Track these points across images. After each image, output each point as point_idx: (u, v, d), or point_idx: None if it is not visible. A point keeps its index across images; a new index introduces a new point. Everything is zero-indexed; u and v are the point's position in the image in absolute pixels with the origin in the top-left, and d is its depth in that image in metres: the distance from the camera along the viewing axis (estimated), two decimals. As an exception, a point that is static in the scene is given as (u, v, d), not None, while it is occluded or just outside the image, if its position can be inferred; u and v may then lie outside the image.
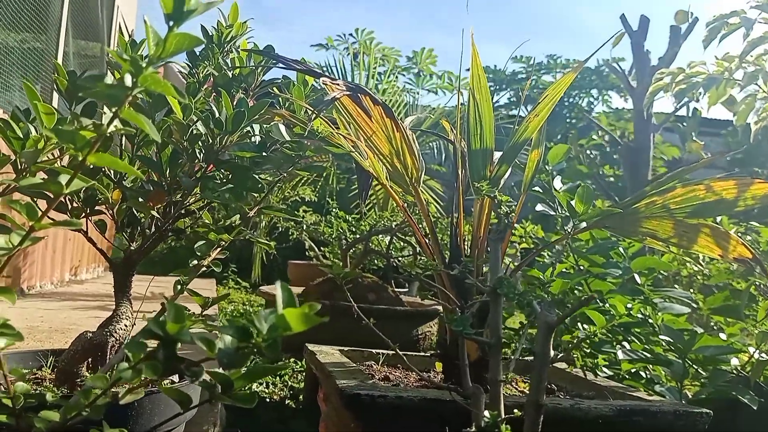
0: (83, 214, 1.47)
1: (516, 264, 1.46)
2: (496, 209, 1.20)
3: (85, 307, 3.53)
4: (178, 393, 0.78)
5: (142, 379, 0.72)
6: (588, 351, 0.73)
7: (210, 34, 1.62)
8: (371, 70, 6.60)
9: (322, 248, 4.55)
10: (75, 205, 1.44)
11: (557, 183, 1.73)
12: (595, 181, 7.02)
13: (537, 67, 15.03)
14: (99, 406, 0.72)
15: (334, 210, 3.91)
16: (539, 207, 1.64)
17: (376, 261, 3.59)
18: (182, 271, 1.17)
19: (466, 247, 1.47)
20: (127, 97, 0.69)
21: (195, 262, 1.17)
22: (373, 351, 1.71)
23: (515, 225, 3.31)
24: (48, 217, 1.21)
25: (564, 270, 2.74)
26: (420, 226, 1.66)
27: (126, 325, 1.42)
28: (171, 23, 0.66)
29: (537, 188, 1.63)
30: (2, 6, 3.42)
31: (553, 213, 1.62)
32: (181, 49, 0.68)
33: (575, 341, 0.73)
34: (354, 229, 3.22)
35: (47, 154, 0.98)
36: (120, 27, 6.51)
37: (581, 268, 2.08)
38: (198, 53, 1.59)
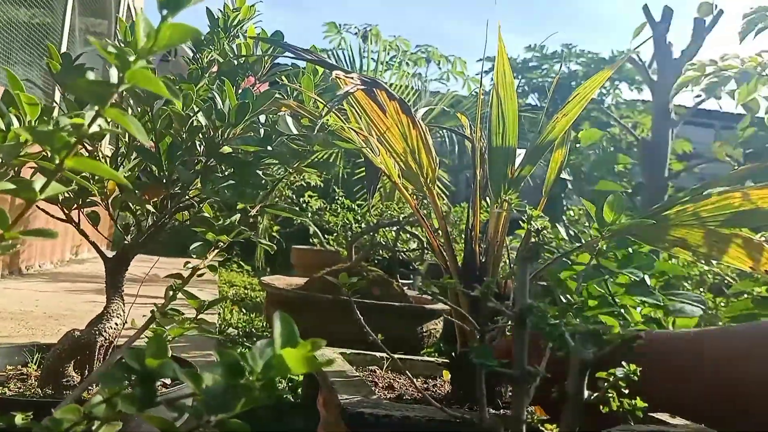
0: (75, 206, 1.39)
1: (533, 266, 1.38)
2: (524, 219, 1.11)
3: (82, 290, 3.47)
4: (161, 422, 0.70)
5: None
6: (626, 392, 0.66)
7: (216, 17, 1.53)
8: (380, 57, 6.48)
9: (326, 236, 4.47)
10: (66, 195, 1.36)
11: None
12: (612, 176, 6.90)
13: (551, 56, 14.82)
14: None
15: (340, 198, 3.82)
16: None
17: (381, 253, 3.50)
18: (176, 275, 1.09)
19: (480, 251, 1.38)
20: (113, 95, 0.60)
21: (190, 264, 1.09)
22: (377, 355, 1.64)
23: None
24: (39, 207, 1.13)
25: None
26: (431, 225, 1.58)
27: (116, 324, 1.34)
28: (164, 12, 0.57)
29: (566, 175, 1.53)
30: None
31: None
32: (175, 41, 0.59)
33: (612, 379, 0.65)
34: (360, 220, 3.13)
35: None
36: (129, 6, 6.39)
37: (601, 269, 1.99)
38: (203, 38, 1.50)
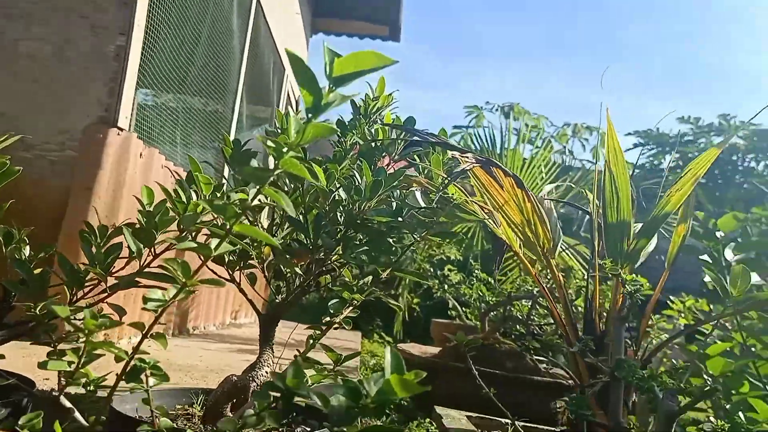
0: (237, 267, 1.64)
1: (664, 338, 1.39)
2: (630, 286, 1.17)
3: (239, 350, 3.81)
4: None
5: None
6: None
7: (358, 105, 1.75)
8: (522, 136, 6.61)
9: (464, 308, 4.54)
10: (231, 258, 1.60)
11: (728, 254, 1.63)
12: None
13: (708, 129, 14.08)
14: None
15: (476, 271, 3.91)
16: (707, 278, 1.55)
17: (515, 327, 3.53)
18: (315, 326, 1.26)
19: (600, 322, 1.43)
20: (269, 178, 0.79)
21: (327, 318, 1.26)
22: (502, 420, 1.69)
23: (671, 298, 3.10)
24: (208, 268, 1.37)
25: (728, 349, 2.53)
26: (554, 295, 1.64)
27: (266, 372, 1.53)
28: (309, 115, 0.76)
29: (706, 258, 1.54)
30: (194, 75, 3.89)
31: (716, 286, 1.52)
32: (318, 136, 0.78)
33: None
34: (495, 292, 3.20)
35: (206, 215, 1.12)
36: (288, 94, 7.11)
37: (751, 348, 1.91)
38: (347, 123, 1.73)
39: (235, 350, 3.77)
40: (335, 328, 1.47)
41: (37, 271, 1.27)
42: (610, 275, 1.12)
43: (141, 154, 3.07)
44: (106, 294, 1.27)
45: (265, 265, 1.66)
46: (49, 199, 2.70)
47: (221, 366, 2.89)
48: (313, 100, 0.74)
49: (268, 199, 0.87)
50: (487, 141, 7.11)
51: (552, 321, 3.24)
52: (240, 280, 1.68)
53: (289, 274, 1.63)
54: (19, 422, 0.87)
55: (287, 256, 1.54)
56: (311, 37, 8.04)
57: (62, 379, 0.96)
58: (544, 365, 2.86)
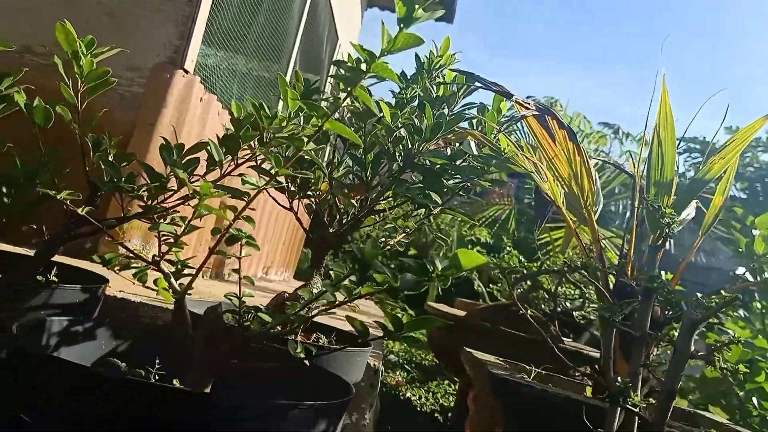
0: (297, 197, 1.76)
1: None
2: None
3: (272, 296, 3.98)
4: (361, 324, 0.97)
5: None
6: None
7: (422, 60, 1.85)
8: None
9: (491, 285, 4.63)
10: (292, 188, 1.73)
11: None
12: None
13: (754, 143, 13.81)
14: (301, 315, 0.92)
15: (507, 248, 3.99)
16: (739, 270, 1.63)
17: (543, 306, 3.61)
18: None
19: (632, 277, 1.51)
20: (360, 80, 0.90)
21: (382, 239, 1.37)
22: (527, 366, 1.79)
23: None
24: (271, 196, 1.48)
25: (748, 339, 2.62)
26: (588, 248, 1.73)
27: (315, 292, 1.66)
28: (401, 25, 0.86)
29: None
30: (255, 33, 4.02)
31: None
32: (408, 46, 0.88)
33: (720, 344, 0.77)
34: (526, 266, 3.28)
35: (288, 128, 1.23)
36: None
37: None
38: (409, 76, 1.83)
39: (268, 296, 3.94)
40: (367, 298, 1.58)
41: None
42: (652, 206, 1.19)
43: (201, 99, 3.22)
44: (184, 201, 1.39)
45: (320, 199, 1.78)
46: (116, 130, 2.84)
47: (262, 302, 3.04)
48: (406, 11, 0.84)
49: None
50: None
51: (579, 296, 3.32)
52: (297, 210, 1.80)
53: (343, 209, 1.75)
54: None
55: (345, 190, 1.65)
56: (365, 10, 8.12)
57: (160, 255, 1.09)
58: (569, 339, 2.95)
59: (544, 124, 1.44)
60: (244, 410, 0.77)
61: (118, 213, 1.42)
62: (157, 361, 1.18)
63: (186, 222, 1.06)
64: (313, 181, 1.71)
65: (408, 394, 3.00)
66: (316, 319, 1.16)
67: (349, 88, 0.90)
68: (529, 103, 1.31)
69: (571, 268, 1.30)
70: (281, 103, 1.27)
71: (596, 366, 1.54)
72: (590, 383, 1.77)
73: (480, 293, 5.02)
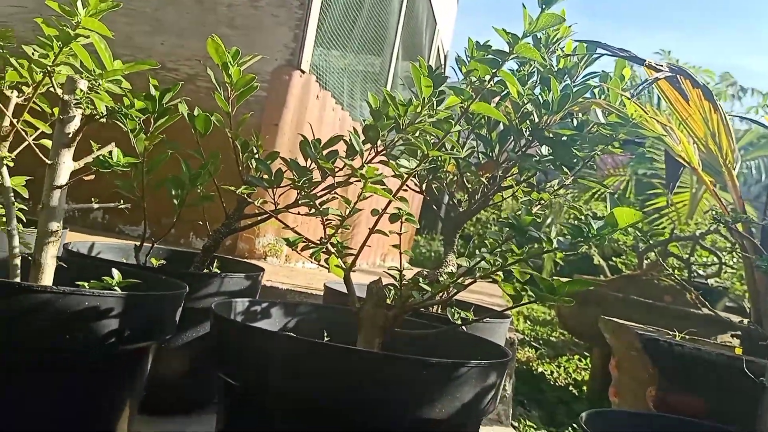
0: (425, 181, 1.84)
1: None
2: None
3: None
4: (512, 288, 1.03)
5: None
6: None
7: (538, 37, 1.87)
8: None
9: (613, 258, 4.54)
10: (423, 173, 1.81)
11: None
12: None
13: None
14: (458, 284, 1.00)
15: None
16: None
17: (675, 274, 3.52)
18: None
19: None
20: (505, 62, 0.96)
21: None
22: (668, 331, 1.79)
23: None
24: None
25: None
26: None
27: (452, 270, 1.74)
28: (543, 6, 0.91)
29: None
30: (360, 29, 4.16)
31: None
32: (548, 25, 0.93)
33: None
34: (649, 236, 3.20)
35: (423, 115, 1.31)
36: (438, 50, 7.25)
37: None
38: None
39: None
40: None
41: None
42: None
43: (317, 96, 3.38)
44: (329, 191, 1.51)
45: (446, 182, 1.85)
46: (243, 133, 3.06)
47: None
48: (547, -9, 0.89)
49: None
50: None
51: (712, 264, 3.20)
52: (424, 192, 1.89)
53: (471, 188, 1.82)
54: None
55: (473, 168, 1.72)
56: (461, -7, 8.09)
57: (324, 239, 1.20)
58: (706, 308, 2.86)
59: (676, 85, 1.44)
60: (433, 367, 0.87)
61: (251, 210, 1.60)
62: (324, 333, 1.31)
63: (352, 204, 1.16)
64: (439, 163, 1.79)
65: (540, 369, 3.03)
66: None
67: (494, 70, 0.96)
68: (661, 65, 1.31)
69: (719, 222, 1.29)
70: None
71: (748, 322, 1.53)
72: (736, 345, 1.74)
73: (599, 267, 4.92)
